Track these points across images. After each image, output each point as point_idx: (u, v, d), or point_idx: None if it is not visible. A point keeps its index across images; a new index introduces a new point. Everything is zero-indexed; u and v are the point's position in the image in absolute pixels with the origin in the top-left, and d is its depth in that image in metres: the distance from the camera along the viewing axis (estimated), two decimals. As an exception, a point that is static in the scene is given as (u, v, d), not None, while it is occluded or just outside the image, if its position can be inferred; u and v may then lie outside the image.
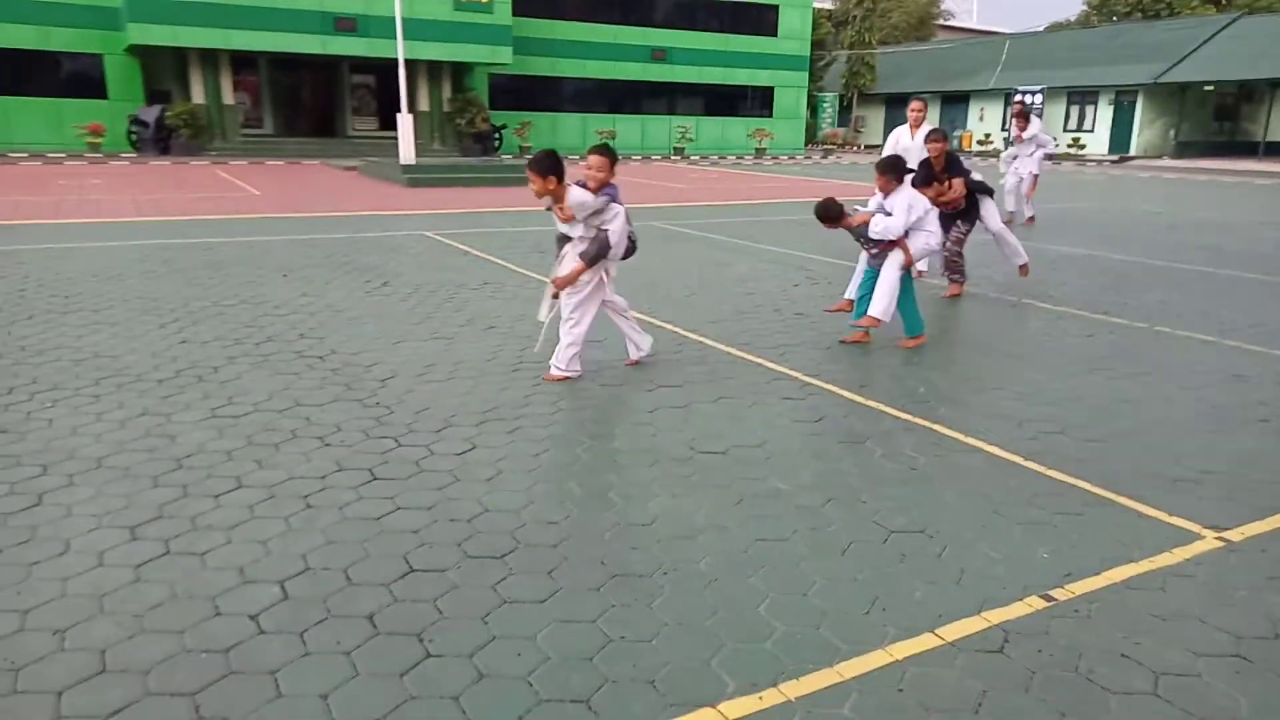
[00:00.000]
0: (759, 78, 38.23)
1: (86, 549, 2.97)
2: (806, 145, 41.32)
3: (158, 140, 26.58)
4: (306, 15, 26.62)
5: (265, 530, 3.13)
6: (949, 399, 4.84)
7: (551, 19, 33.16)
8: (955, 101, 43.19)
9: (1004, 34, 48.69)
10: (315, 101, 31.64)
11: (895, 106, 43.52)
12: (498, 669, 2.37)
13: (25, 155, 25.47)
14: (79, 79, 27.29)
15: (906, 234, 5.80)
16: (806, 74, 39.84)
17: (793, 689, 2.31)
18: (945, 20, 60.47)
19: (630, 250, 5.07)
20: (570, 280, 4.94)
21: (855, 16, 45.24)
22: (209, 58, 26.91)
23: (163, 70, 27.73)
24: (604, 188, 4.81)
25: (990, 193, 7.72)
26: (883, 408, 4.66)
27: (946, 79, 43.56)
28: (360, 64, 30.00)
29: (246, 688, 2.26)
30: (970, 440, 4.19)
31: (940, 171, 7.09)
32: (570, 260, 4.97)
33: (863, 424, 4.42)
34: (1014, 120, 13.04)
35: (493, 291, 7.57)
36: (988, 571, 2.94)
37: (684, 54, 36.15)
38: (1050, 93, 37.91)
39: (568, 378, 5.06)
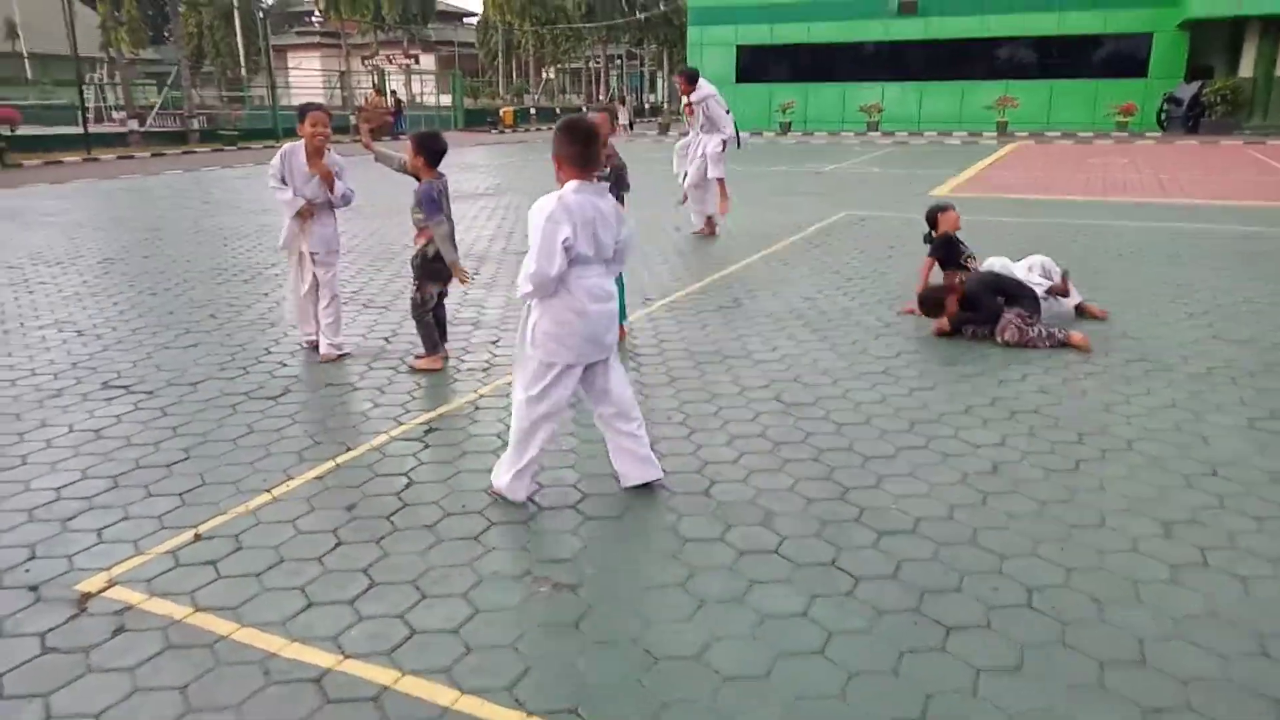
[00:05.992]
0: None
1: (1121, 528, 3.04)
2: None
3: (1187, 119, 25.72)
4: None
5: (1314, 580, 2.70)
6: None
7: None
8: None
9: None
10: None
11: None
12: None
13: (1058, 134, 27.74)
14: (1120, 59, 28.13)
15: None
16: None
17: None
18: None
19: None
20: None
21: None
22: (1270, 27, 24.44)
23: (1212, 45, 26.45)
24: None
25: None
26: None
27: None
28: None
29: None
30: None
31: None
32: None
33: None
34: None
35: None
36: None
37: None
38: None
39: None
